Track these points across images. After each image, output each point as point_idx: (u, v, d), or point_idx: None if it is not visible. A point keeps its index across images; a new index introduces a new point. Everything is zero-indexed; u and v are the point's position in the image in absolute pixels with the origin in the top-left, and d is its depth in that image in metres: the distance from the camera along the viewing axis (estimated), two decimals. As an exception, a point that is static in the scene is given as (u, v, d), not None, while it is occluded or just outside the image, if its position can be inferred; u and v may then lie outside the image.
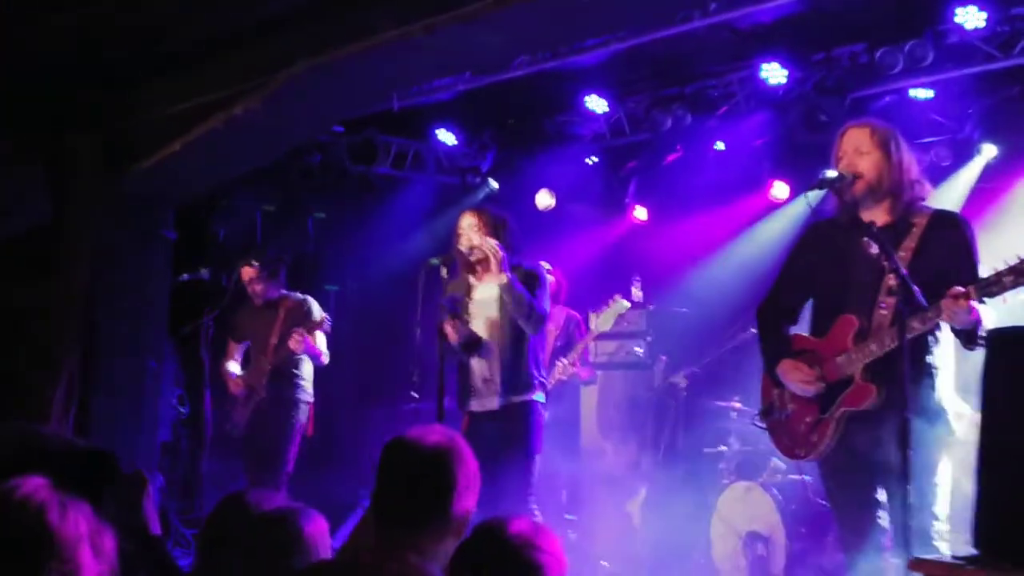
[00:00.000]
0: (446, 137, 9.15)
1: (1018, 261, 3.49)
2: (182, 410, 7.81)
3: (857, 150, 3.91)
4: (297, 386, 6.70)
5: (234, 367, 6.78)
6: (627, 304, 6.97)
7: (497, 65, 7.37)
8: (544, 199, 9.10)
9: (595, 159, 9.20)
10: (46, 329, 6.23)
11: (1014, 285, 3.49)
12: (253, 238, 8.98)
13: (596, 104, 8.27)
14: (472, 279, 5.45)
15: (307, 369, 6.79)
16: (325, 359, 6.75)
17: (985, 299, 3.56)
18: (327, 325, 6.62)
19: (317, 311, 6.71)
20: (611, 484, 7.36)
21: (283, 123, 6.28)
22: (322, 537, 2.88)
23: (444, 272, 5.31)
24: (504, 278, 5.15)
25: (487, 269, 5.33)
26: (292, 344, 6.45)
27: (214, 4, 5.62)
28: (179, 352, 7.68)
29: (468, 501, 2.61)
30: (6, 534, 1.98)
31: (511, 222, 5.46)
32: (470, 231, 5.36)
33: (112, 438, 6.14)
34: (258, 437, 6.62)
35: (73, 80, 6.29)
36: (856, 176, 3.88)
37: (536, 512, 5.21)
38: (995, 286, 3.51)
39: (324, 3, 5.38)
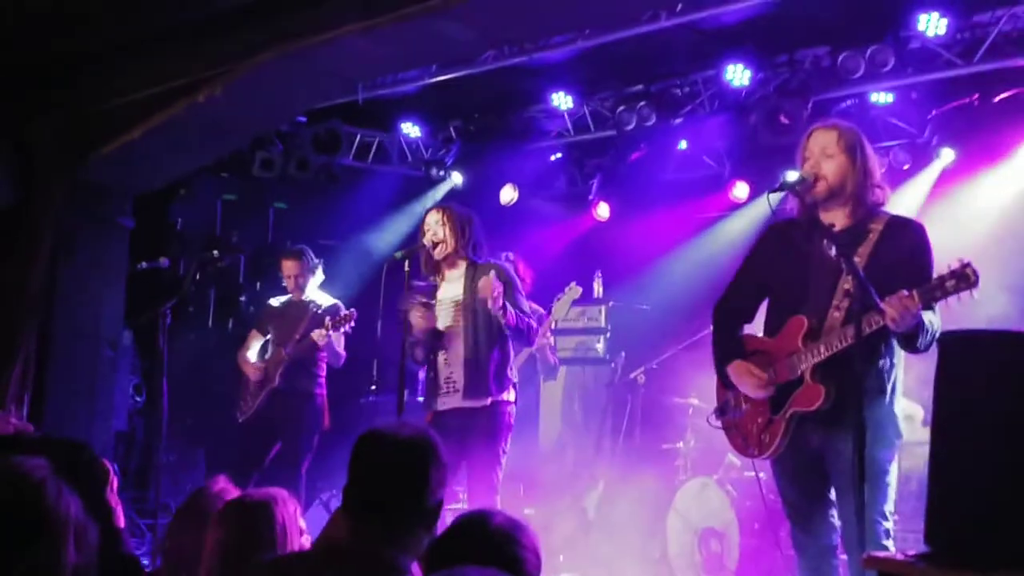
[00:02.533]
0: (411, 130, 9.14)
1: (959, 266, 3.53)
2: (138, 399, 7.74)
3: (823, 152, 3.93)
4: (314, 380, 6.66)
5: (252, 355, 6.74)
6: (579, 290, 6.98)
7: (464, 59, 7.37)
8: (508, 194, 9.12)
9: (559, 155, 9.23)
10: (2, 314, 6.15)
11: (956, 290, 3.52)
12: (213, 227, 8.92)
13: (561, 101, 8.30)
14: (437, 278, 5.45)
15: (324, 366, 6.76)
16: (343, 360, 6.73)
17: (930, 303, 3.60)
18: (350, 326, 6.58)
19: (345, 312, 6.64)
20: (568, 478, 7.40)
21: (245, 112, 6.24)
22: (292, 519, 2.88)
23: (407, 266, 5.29)
24: (503, 315, 5.12)
25: (451, 266, 5.35)
26: (316, 336, 6.40)
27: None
28: (137, 341, 7.60)
29: (441, 494, 2.60)
30: (4, 499, 2.00)
31: (475, 219, 5.45)
32: (436, 227, 5.34)
33: (66, 425, 6.08)
34: (268, 427, 6.58)
35: (35, 66, 6.21)
36: (817, 179, 3.91)
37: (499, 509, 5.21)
38: (938, 291, 3.55)
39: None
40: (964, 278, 3.51)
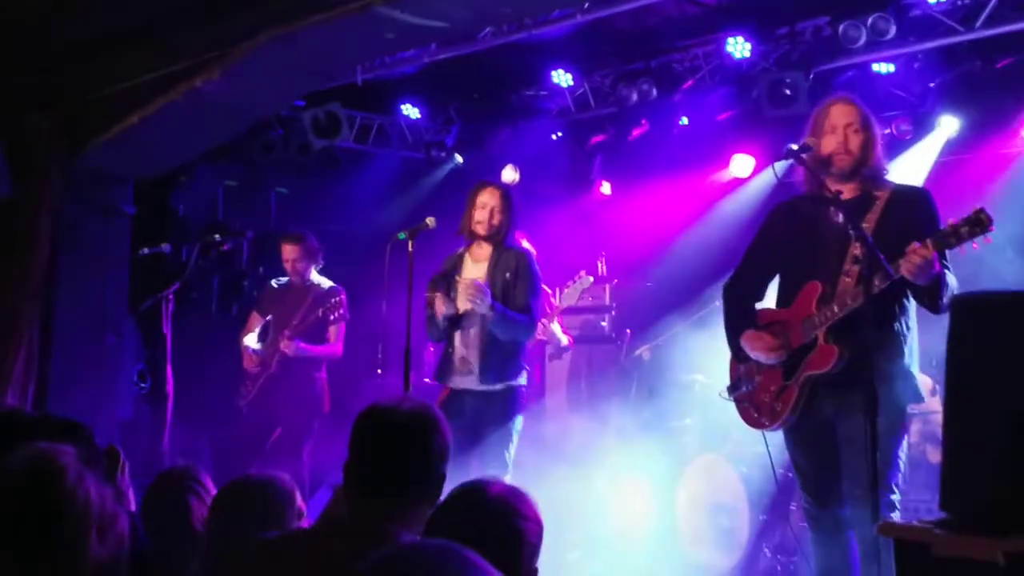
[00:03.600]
0: (411, 111, 9.08)
1: (972, 213, 3.53)
2: (143, 386, 7.73)
3: (850, 127, 3.95)
4: (314, 364, 6.63)
5: (251, 340, 6.71)
6: (591, 279, 7.03)
7: (462, 37, 7.31)
8: (509, 174, 9.07)
9: (560, 134, 9.18)
10: (5, 303, 6.13)
11: (971, 236, 3.53)
12: (214, 213, 8.88)
13: (561, 78, 8.24)
14: (466, 252, 5.47)
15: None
16: (338, 355, 6.69)
17: (945, 249, 3.59)
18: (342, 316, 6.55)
19: (343, 306, 6.61)
20: (575, 456, 7.37)
21: (244, 97, 6.20)
22: (290, 500, 2.87)
23: (411, 246, 5.27)
24: (491, 312, 5.16)
25: (482, 246, 5.39)
26: (282, 346, 6.39)
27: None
28: (140, 327, 7.58)
29: (443, 468, 2.59)
30: (19, 487, 1.98)
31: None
32: (494, 209, 5.38)
33: (71, 413, 6.04)
34: (268, 412, 6.57)
35: (32, 54, 6.18)
36: (845, 151, 3.93)
37: None
38: (952, 237, 3.56)
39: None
40: (978, 223, 3.51)
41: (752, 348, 4.04)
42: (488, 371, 5.26)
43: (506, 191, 5.50)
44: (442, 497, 2.51)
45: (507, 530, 2.31)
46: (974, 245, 3.54)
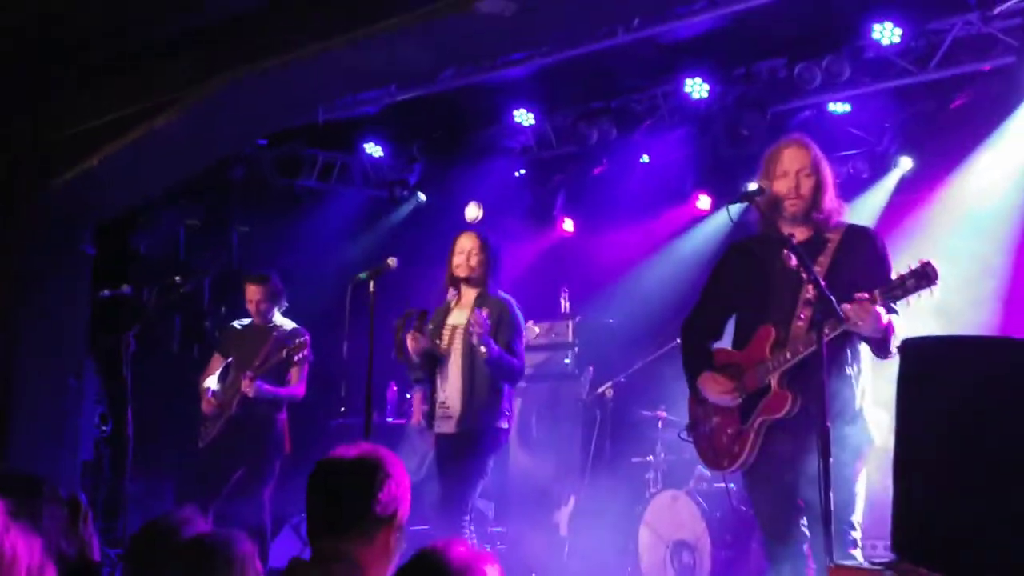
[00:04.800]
0: (373, 149, 9.11)
1: (919, 265, 3.59)
2: (104, 428, 7.65)
3: (801, 171, 3.99)
4: (274, 404, 6.57)
5: (211, 382, 6.65)
6: (536, 330, 7.09)
7: (423, 78, 7.37)
8: (472, 212, 9.10)
9: (522, 172, 9.25)
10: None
11: (916, 288, 3.58)
12: (176, 253, 8.84)
13: (523, 117, 8.32)
14: (452, 304, 5.54)
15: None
16: (300, 397, 6.62)
17: (890, 303, 3.65)
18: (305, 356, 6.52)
19: (307, 347, 6.57)
20: (539, 495, 7.38)
21: (205, 137, 6.20)
22: (250, 560, 2.84)
23: (372, 287, 5.28)
24: (485, 351, 5.22)
25: (466, 292, 5.45)
26: (244, 387, 6.34)
27: (133, 17, 5.53)
28: (101, 369, 7.51)
29: (396, 506, 2.63)
30: None
31: (500, 256, 5.63)
32: (471, 254, 5.47)
33: (32, 456, 6.00)
34: (227, 453, 6.50)
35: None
36: (797, 194, 3.95)
37: (471, 534, 5.24)
38: (898, 289, 3.61)
39: (246, 17, 5.33)
40: (924, 276, 3.57)
41: (708, 391, 4.08)
42: (467, 416, 5.32)
43: (485, 239, 5.58)
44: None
45: None
46: (919, 296, 3.59)
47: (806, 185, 3.97)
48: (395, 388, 8.12)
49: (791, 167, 3.99)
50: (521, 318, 5.55)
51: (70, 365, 6.65)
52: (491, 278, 5.51)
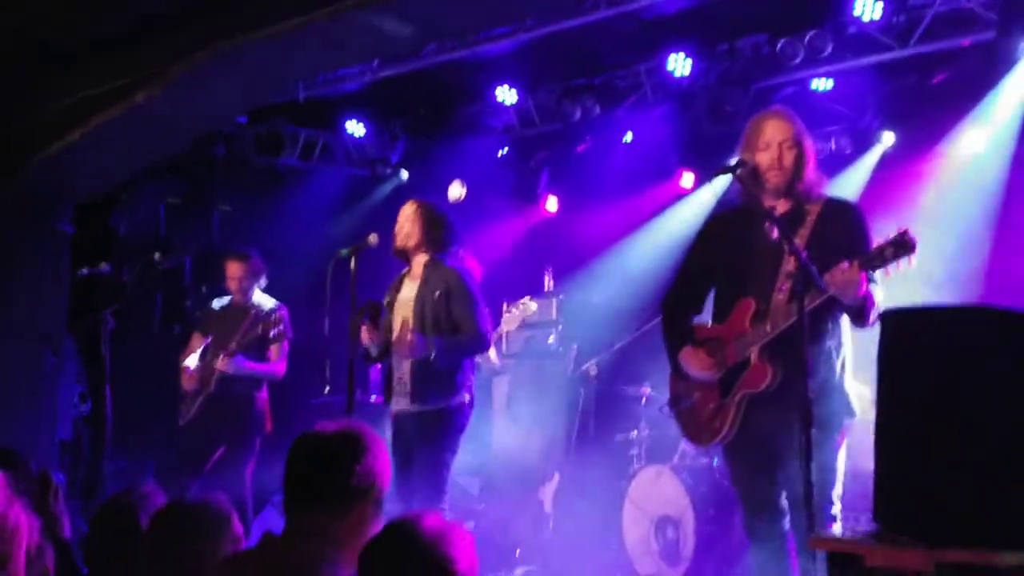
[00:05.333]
0: (355, 128, 9.06)
1: (897, 234, 3.59)
2: (83, 407, 7.62)
3: (785, 142, 3.97)
4: (253, 383, 6.56)
5: (192, 361, 6.63)
6: (534, 307, 7.05)
7: (405, 53, 7.32)
8: (455, 190, 9.07)
9: (506, 150, 9.22)
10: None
11: (895, 257, 3.58)
12: (156, 231, 8.78)
13: (506, 95, 8.28)
14: (406, 275, 5.45)
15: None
16: (280, 374, 6.61)
17: (870, 271, 3.65)
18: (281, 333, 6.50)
19: (284, 322, 6.56)
20: (523, 472, 7.39)
21: (186, 113, 6.15)
22: (227, 523, 2.85)
23: (353, 264, 5.25)
24: (432, 351, 5.09)
25: (415, 262, 5.35)
26: (219, 365, 6.32)
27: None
28: (80, 349, 7.47)
29: (373, 480, 2.61)
30: None
31: (449, 222, 5.43)
32: (404, 221, 5.35)
33: (10, 435, 5.96)
34: (207, 432, 6.48)
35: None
36: (779, 166, 3.94)
37: (447, 513, 5.18)
38: (877, 259, 3.61)
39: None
40: (902, 245, 3.57)
41: (689, 366, 4.08)
42: (421, 393, 5.18)
43: (422, 205, 5.40)
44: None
45: (439, 563, 2.33)
46: (898, 267, 3.60)
47: (788, 157, 3.96)
48: (379, 366, 8.10)
49: (773, 139, 3.98)
50: (473, 284, 5.34)
51: (49, 344, 6.61)
52: (439, 244, 5.33)
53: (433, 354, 5.09)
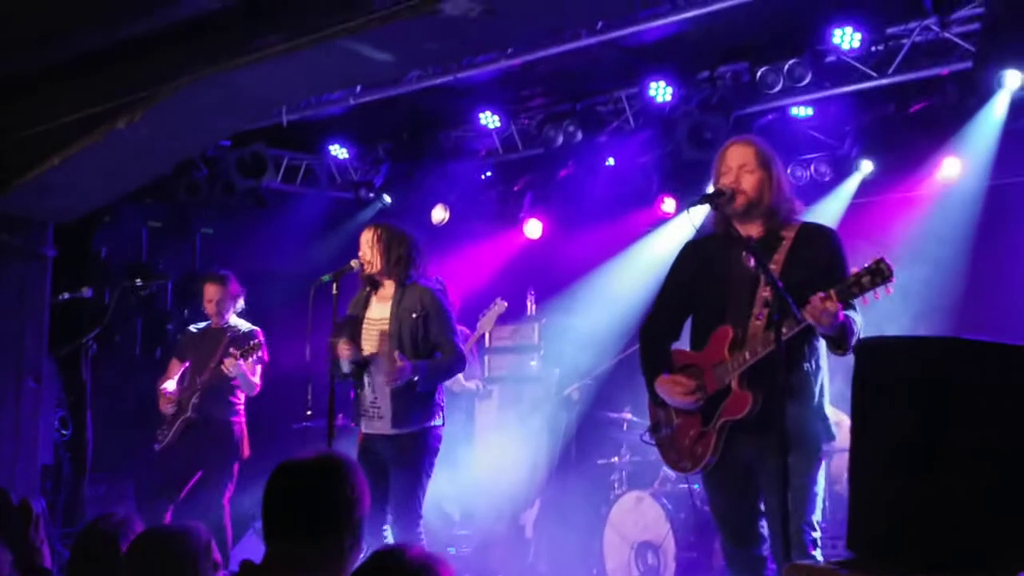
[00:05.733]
0: (339, 151, 9.09)
1: (873, 262, 3.62)
2: (64, 432, 7.58)
3: (743, 168, 4.01)
4: (230, 408, 6.58)
5: (171, 385, 6.64)
6: (504, 304, 7.06)
7: (387, 80, 7.36)
8: (439, 214, 9.11)
9: (489, 174, 9.26)
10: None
11: (872, 286, 3.61)
12: (138, 255, 8.77)
13: (489, 120, 8.34)
14: (372, 294, 5.42)
15: (242, 394, 6.71)
16: (256, 389, 6.66)
17: (848, 300, 3.68)
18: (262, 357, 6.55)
19: (262, 345, 6.61)
20: (504, 497, 7.39)
21: (168, 138, 6.13)
22: (205, 552, 2.84)
23: (335, 289, 5.25)
24: (416, 376, 5.10)
25: (383, 286, 5.34)
26: (226, 366, 6.34)
27: (95, 17, 5.49)
28: (61, 372, 7.44)
29: (353, 509, 2.61)
30: None
31: (411, 238, 5.41)
32: (365, 246, 5.34)
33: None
34: (185, 457, 6.48)
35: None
36: (736, 192, 3.98)
37: (422, 537, 5.18)
38: (855, 287, 3.64)
39: (209, 17, 5.29)
40: (879, 273, 3.60)
41: (667, 394, 4.08)
42: (400, 417, 5.18)
43: (379, 228, 5.38)
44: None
45: None
46: (875, 295, 3.63)
47: (747, 180, 3.99)
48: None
49: (733, 163, 4.03)
50: (446, 302, 5.36)
51: (29, 368, 6.57)
52: (403, 265, 5.30)
53: (416, 378, 5.10)
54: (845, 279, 3.68)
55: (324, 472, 2.60)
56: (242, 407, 6.67)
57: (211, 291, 6.70)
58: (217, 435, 6.49)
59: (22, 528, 2.97)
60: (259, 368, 6.62)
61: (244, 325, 6.70)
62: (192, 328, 6.85)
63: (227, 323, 6.69)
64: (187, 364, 6.65)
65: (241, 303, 6.77)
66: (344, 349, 5.22)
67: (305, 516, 2.56)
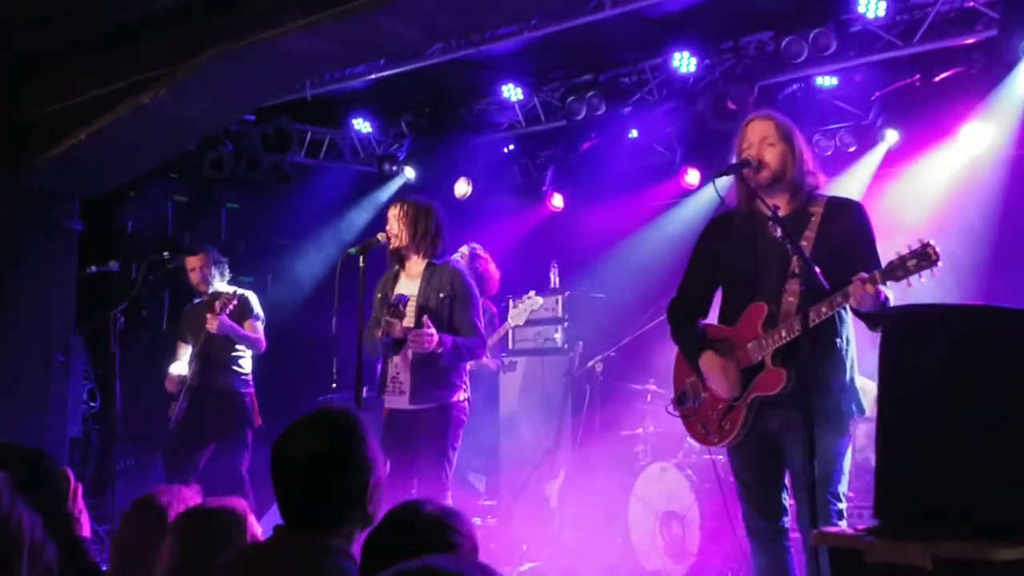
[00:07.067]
0: (362, 125, 9.11)
1: (919, 246, 3.60)
2: (92, 405, 7.67)
3: (764, 140, 3.99)
4: (235, 376, 6.67)
5: (179, 368, 6.75)
6: (540, 301, 7.11)
7: (410, 53, 7.35)
8: (462, 187, 9.12)
9: (512, 147, 9.25)
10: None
11: (917, 269, 3.59)
12: (164, 229, 8.84)
13: (512, 92, 8.32)
14: (400, 271, 5.46)
15: (247, 362, 6.80)
16: (262, 346, 6.78)
17: (891, 281, 3.67)
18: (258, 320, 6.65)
19: (254, 304, 6.70)
20: (529, 468, 7.43)
21: (192, 113, 6.18)
22: (245, 524, 2.87)
23: (362, 262, 5.28)
24: (441, 349, 5.13)
25: (411, 262, 5.38)
26: (208, 325, 6.44)
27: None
28: (89, 346, 7.53)
29: (367, 477, 2.56)
30: None
31: (436, 212, 5.43)
32: (393, 221, 5.37)
33: (20, 433, 6.01)
34: (197, 429, 6.58)
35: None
36: (761, 164, 3.97)
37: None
38: (900, 270, 3.62)
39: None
40: (925, 257, 3.58)
41: (710, 375, 4.04)
42: (419, 391, 5.23)
43: (406, 204, 5.40)
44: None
45: (440, 545, 2.35)
46: (920, 278, 3.60)
47: (770, 153, 3.96)
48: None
49: (754, 138, 4.01)
50: (474, 288, 5.41)
51: (57, 342, 6.66)
52: (429, 240, 5.34)
53: (441, 350, 5.14)
54: (891, 261, 3.65)
55: (328, 455, 2.52)
56: (249, 376, 6.78)
57: (192, 261, 6.85)
58: (225, 404, 6.61)
59: (60, 496, 3.01)
60: (258, 324, 6.71)
61: (231, 289, 6.81)
62: (188, 307, 6.99)
63: (214, 290, 6.78)
64: (191, 343, 6.76)
65: (226, 271, 6.93)
66: (388, 323, 5.23)
67: (312, 503, 2.51)
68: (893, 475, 2.80)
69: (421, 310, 5.26)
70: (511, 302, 7.42)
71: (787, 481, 4.03)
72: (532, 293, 7.19)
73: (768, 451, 4.00)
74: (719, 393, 4.04)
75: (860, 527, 2.93)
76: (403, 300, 5.27)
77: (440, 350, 5.15)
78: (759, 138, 4.00)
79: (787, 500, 4.02)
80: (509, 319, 7.12)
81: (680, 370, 4.29)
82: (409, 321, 5.29)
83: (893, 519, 2.77)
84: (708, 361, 4.06)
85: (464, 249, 7.23)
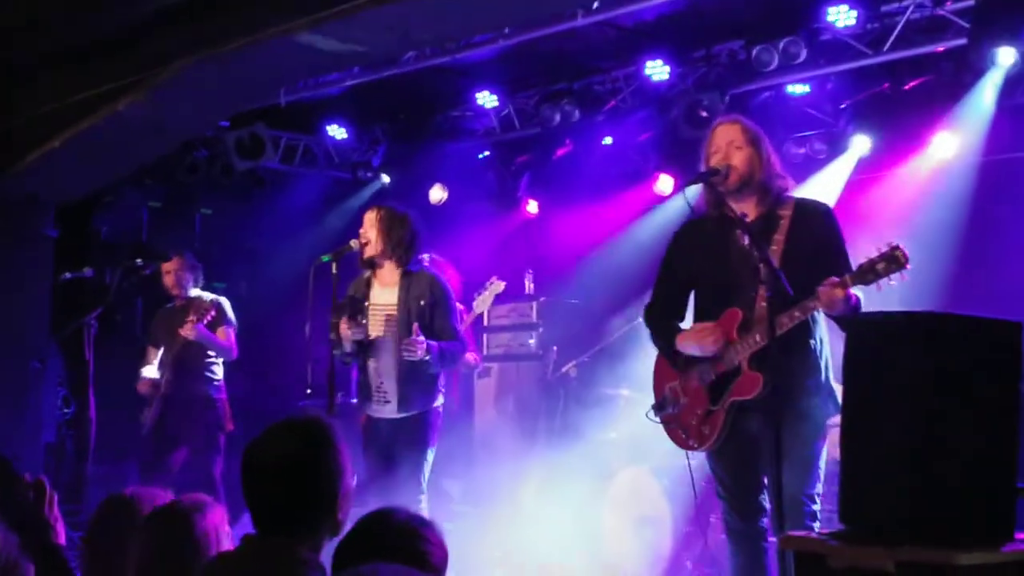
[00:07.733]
0: (337, 131, 9.11)
1: (889, 249, 3.64)
2: (67, 411, 7.65)
3: (732, 144, 4.04)
4: (207, 383, 6.68)
5: (150, 372, 6.73)
6: (502, 284, 7.09)
7: (384, 60, 7.38)
8: (437, 194, 9.14)
9: (487, 153, 9.28)
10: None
11: (887, 272, 3.64)
12: (138, 235, 8.82)
13: (486, 99, 8.35)
14: (372, 277, 5.47)
15: (219, 369, 6.81)
16: (234, 353, 6.81)
17: (862, 285, 3.72)
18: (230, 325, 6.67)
19: (227, 310, 6.72)
20: (504, 473, 7.45)
21: (168, 119, 6.20)
22: (218, 528, 2.87)
23: (335, 268, 5.30)
24: (428, 356, 5.18)
25: (384, 269, 5.39)
26: (184, 332, 6.44)
27: (94, 1, 5.51)
28: (64, 352, 7.50)
29: (337, 484, 2.52)
30: None
31: (411, 220, 5.45)
32: (367, 227, 5.38)
33: (-7, 440, 6.00)
34: (169, 435, 6.58)
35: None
36: (730, 168, 4.02)
37: (424, 511, 5.25)
38: (870, 274, 3.67)
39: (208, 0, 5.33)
40: (895, 260, 3.62)
41: (692, 344, 4.06)
42: (406, 400, 5.28)
43: (389, 212, 5.41)
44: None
45: (409, 554, 2.37)
46: (890, 282, 3.65)
47: (737, 157, 4.01)
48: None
49: (721, 142, 4.05)
50: (451, 292, 5.48)
51: (33, 348, 6.65)
52: (403, 248, 5.36)
53: (429, 358, 5.16)
54: (861, 265, 3.70)
55: (297, 462, 2.48)
56: (221, 382, 6.79)
57: (167, 266, 6.88)
58: (197, 410, 6.62)
59: (33, 505, 3.01)
60: (231, 331, 6.73)
61: (207, 295, 6.82)
62: (160, 311, 6.98)
63: (188, 295, 6.78)
64: (162, 349, 6.76)
65: (200, 276, 6.96)
66: (346, 329, 5.26)
67: (284, 509, 2.47)
68: (856, 480, 2.85)
69: (405, 319, 5.28)
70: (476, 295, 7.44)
71: (765, 481, 4.07)
72: (494, 279, 7.21)
73: (747, 453, 4.04)
74: (707, 351, 4.04)
75: (825, 531, 2.99)
76: (357, 300, 5.31)
77: (428, 357, 5.18)
78: (726, 142, 4.05)
79: (766, 501, 4.06)
80: (475, 306, 7.13)
81: (660, 377, 4.34)
82: (377, 329, 5.31)
83: (857, 523, 2.83)
84: (685, 334, 4.11)
85: (425, 257, 7.25)
